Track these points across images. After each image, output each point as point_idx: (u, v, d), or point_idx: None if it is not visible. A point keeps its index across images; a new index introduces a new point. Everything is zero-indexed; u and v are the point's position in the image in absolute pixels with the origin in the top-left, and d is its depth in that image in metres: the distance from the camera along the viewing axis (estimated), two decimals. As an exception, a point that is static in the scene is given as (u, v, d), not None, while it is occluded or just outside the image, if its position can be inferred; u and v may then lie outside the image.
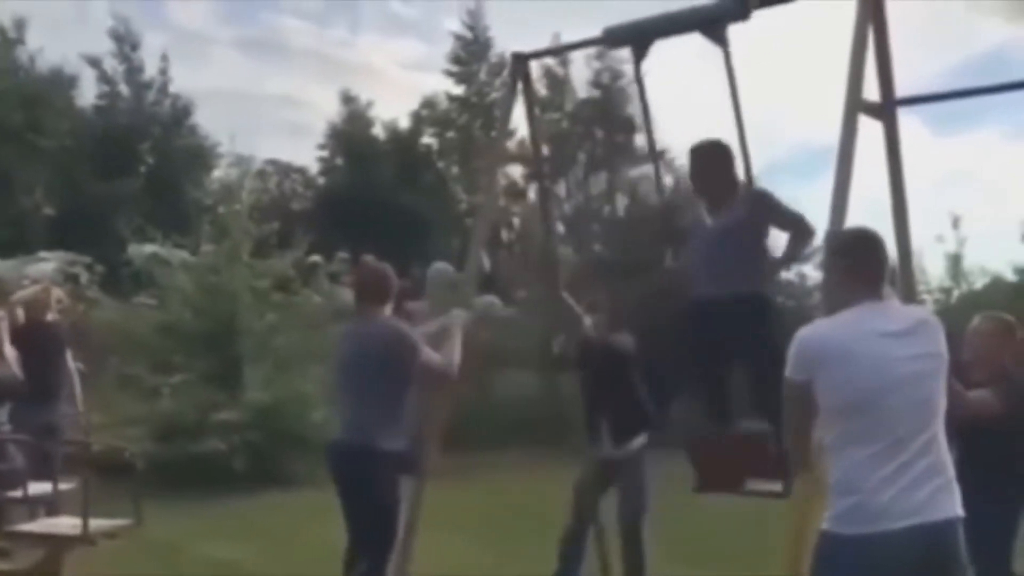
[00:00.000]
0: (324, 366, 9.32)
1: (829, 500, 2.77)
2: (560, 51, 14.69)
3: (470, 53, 24.00)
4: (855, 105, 4.00)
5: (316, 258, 12.12)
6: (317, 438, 9.10)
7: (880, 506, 2.65)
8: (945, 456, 2.76)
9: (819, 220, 4.41)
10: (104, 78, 22.64)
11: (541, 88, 19.36)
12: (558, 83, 20.81)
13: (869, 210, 4.40)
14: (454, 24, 24.76)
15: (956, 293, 15.93)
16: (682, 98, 19.99)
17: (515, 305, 15.59)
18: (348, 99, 23.93)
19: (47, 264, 11.10)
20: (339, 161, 23.82)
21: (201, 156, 22.95)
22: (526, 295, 15.64)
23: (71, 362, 7.21)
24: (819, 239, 4.41)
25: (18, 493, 5.68)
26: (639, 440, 5.59)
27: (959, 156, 29.77)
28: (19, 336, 6.40)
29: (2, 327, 6.03)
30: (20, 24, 21.58)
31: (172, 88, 23.07)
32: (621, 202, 19.67)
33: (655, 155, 5.73)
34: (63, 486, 5.89)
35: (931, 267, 15.85)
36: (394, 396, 4.42)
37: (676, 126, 17.87)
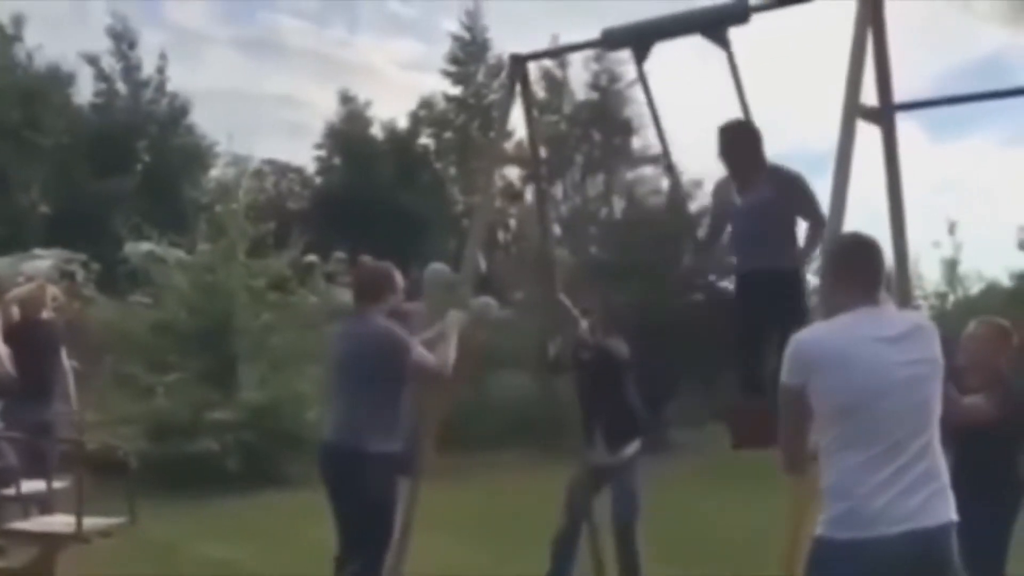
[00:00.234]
0: (320, 366, 9.30)
1: (823, 504, 2.76)
2: (559, 53, 14.65)
3: (468, 54, 23.99)
4: (853, 110, 4.00)
5: (312, 258, 12.12)
6: (312, 438, 9.01)
7: (874, 511, 2.64)
8: (940, 461, 2.76)
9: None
10: (102, 76, 22.59)
11: (539, 90, 19.33)
12: (556, 85, 20.77)
13: (866, 215, 4.43)
14: (452, 24, 24.76)
15: (952, 298, 15.99)
16: (682, 98, 19.96)
17: (512, 306, 15.54)
18: (346, 99, 23.90)
19: (43, 262, 11.02)
20: (336, 161, 23.78)
21: (198, 155, 22.91)
22: (523, 296, 15.60)
23: (66, 360, 7.19)
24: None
25: (12, 491, 5.68)
26: (633, 446, 5.61)
27: (956, 161, 29.87)
28: (14, 334, 6.40)
29: (-3, 325, 6.03)
30: (18, 21, 21.61)
31: (169, 87, 23.07)
32: (618, 204, 19.64)
33: (667, 152, 5.62)
34: (57, 484, 5.90)
35: (927, 272, 15.93)
36: (387, 397, 4.42)
37: (676, 126, 17.80)
